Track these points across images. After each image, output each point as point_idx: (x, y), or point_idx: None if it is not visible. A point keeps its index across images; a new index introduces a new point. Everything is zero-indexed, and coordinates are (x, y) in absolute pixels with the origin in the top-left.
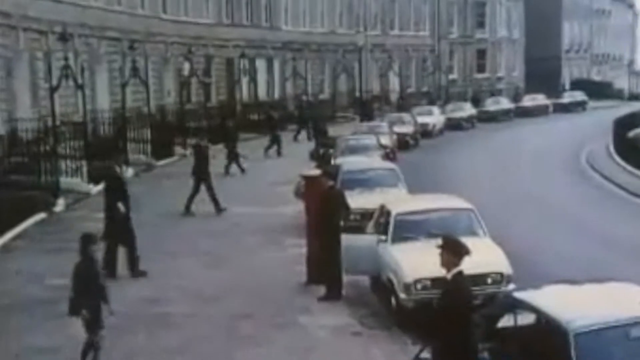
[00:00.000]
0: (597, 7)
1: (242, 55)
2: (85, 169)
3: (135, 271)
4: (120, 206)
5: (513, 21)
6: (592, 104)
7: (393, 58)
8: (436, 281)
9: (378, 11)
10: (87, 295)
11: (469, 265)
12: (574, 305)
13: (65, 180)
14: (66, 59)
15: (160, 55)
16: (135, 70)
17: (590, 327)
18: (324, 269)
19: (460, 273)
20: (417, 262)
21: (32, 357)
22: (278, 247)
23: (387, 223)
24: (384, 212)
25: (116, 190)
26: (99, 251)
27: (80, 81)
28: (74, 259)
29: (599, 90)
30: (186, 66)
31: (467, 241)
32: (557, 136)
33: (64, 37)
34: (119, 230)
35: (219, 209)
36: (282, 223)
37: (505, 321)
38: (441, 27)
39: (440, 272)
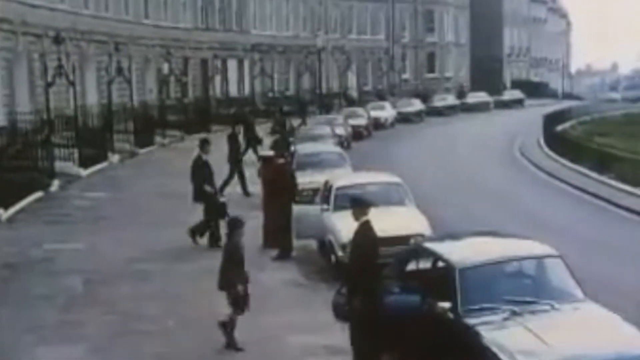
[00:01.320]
0: (534, 16)
1: (215, 56)
2: (76, 155)
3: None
4: (208, 188)
5: (459, 27)
6: (529, 101)
7: (351, 59)
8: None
9: (338, 17)
10: (239, 274)
11: (396, 228)
12: (463, 249)
13: (59, 165)
14: (59, 59)
15: (143, 56)
16: (120, 69)
17: (471, 264)
18: (277, 234)
19: (367, 221)
20: (352, 226)
21: (33, 302)
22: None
23: (329, 195)
24: (328, 186)
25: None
26: (244, 235)
27: (71, 79)
28: (66, 229)
29: (536, 90)
30: (165, 66)
31: (396, 209)
32: (496, 129)
33: (57, 40)
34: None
35: (246, 193)
36: (247, 200)
37: (412, 264)
38: (395, 32)
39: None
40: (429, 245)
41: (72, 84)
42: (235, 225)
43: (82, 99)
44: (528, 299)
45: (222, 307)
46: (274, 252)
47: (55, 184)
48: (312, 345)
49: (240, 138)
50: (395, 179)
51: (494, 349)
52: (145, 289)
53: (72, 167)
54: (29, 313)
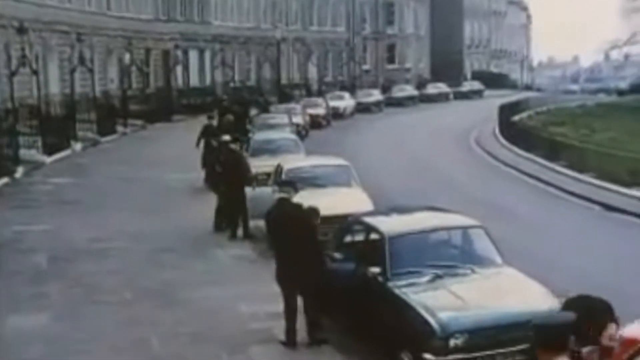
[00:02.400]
0: (494, 9)
1: (177, 47)
2: (40, 143)
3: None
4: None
5: (419, 20)
6: (489, 92)
7: (312, 50)
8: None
9: (298, 9)
10: None
11: (341, 207)
12: (394, 221)
13: (23, 152)
14: (23, 49)
15: (105, 46)
16: (82, 59)
17: (399, 233)
18: (232, 216)
19: (283, 199)
20: None
21: (4, 277)
22: (201, 202)
23: (280, 177)
24: (279, 169)
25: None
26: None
27: (35, 68)
28: (32, 212)
29: (496, 81)
30: (127, 56)
31: (342, 190)
32: (453, 119)
33: (21, 31)
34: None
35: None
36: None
37: (350, 236)
38: (355, 24)
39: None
40: (364, 218)
41: (36, 73)
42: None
43: (45, 88)
44: (450, 263)
45: (174, 279)
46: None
47: (20, 171)
48: (260, 312)
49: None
50: (342, 162)
51: (417, 307)
52: (106, 266)
53: (36, 155)
54: (3, 287)
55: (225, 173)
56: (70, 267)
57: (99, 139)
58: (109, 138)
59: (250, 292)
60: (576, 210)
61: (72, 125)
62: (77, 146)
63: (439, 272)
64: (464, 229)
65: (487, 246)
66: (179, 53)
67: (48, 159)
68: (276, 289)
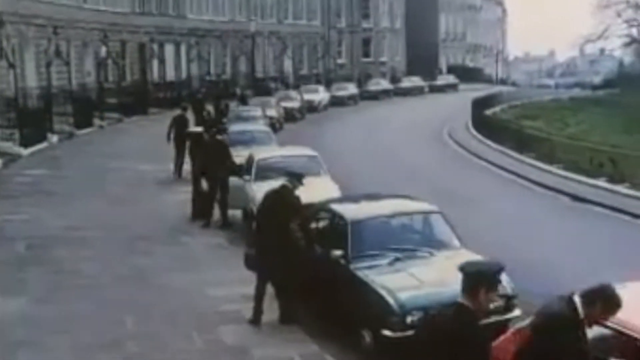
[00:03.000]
0: (469, 3)
1: (152, 40)
2: (17, 135)
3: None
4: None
5: (395, 13)
6: (464, 86)
7: (287, 44)
8: None
9: (274, 2)
10: None
11: (310, 195)
12: (357, 207)
13: (1, 145)
14: (1, 41)
15: (81, 39)
16: (58, 52)
17: (361, 218)
18: (208, 204)
19: (285, 186)
20: None
21: None
22: (173, 193)
23: (251, 167)
24: (250, 159)
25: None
26: None
27: (12, 61)
28: (10, 202)
29: (471, 75)
30: (103, 49)
31: (311, 179)
32: (428, 112)
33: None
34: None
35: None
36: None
37: (317, 222)
38: (331, 18)
39: None
40: (330, 205)
41: (13, 66)
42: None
43: (22, 81)
44: (410, 247)
45: (147, 265)
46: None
47: None
48: (232, 294)
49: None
50: (311, 152)
51: (377, 288)
52: (82, 252)
53: (14, 147)
54: None
55: (210, 162)
56: (48, 254)
57: (75, 131)
58: (85, 131)
59: (220, 277)
60: (543, 200)
61: (49, 117)
62: (54, 139)
63: (399, 255)
64: (424, 214)
65: (445, 231)
66: (155, 46)
67: (25, 151)
68: (245, 273)
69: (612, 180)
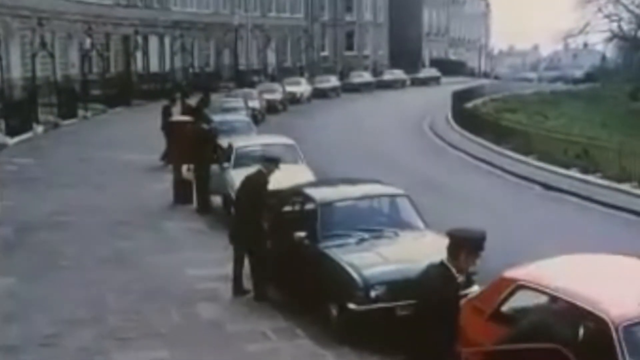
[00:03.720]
0: None
1: (136, 33)
2: (2, 125)
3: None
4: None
5: (378, 7)
6: (446, 79)
7: (271, 37)
8: None
9: None
10: None
11: (287, 181)
12: (327, 191)
13: None
14: None
15: (65, 31)
16: (43, 44)
17: (331, 201)
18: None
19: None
20: None
21: None
22: (156, 181)
23: (230, 154)
24: (230, 147)
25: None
26: None
27: None
28: None
29: (454, 68)
30: (88, 41)
31: (289, 166)
32: (409, 105)
33: None
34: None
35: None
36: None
37: (290, 205)
38: (314, 11)
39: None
40: (302, 189)
41: None
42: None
43: (7, 72)
44: (376, 227)
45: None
46: (185, 207)
47: None
48: (210, 274)
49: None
50: (288, 141)
51: (343, 264)
52: (66, 236)
53: (0, 136)
54: None
55: (195, 150)
56: (34, 238)
57: (60, 122)
58: (69, 121)
59: (198, 258)
60: (517, 189)
61: (34, 108)
62: (39, 129)
63: (366, 235)
64: (390, 197)
65: (410, 213)
66: (139, 39)
67: (11, 141)
68: (222, 255)
69: (584, 170)
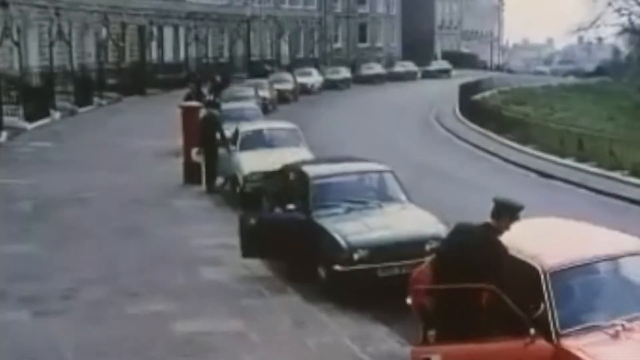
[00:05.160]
0: None
1: (152, 23)
2: (21, 111)
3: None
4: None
5: None
6: (457, 72)
7: (284, 28)
8: (265, 174)
9: None
10: None
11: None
12: (319, 167)
13: (6, 119)
14: (6, 22)
15: (82, 21)
16: (60, 33)
17: (321, 177)
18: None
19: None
20: (253, 162)
21: None
22: (168, 164)
23: (236, 138)
24: (236, 131)
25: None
26: None
27: (17, 39)
28: (16, 169)
29: (466, 61)
30: (104, 31)
31: (290, 149)
32: (418, 96)
33: (4, 4)
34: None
35: None
36: (175, 149)
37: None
38: (327, 3)
39: (268, 167)
40: (298, 165)
41: (17, 44)
42: None
43: (25, 60)
44: (362, 200)
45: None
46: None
47: (3, 135)
48: (211, 244)
49: None
50: (291, 125)
51: (331, 231)
52: (83, 211)
53: (18, 122)
54: None
55: (205, 134)
56: (52, 212)
57: (76, 109)
58: (85, 109)
59: (203, 231)
60: (514, 176)
61: (51, 95)
62: (56, 115)
63: (353, 206)
64: (377, 173)
65: (395, 187)
66: (154, 29)
67: (29, 126)
68: (225, 228)
69: (580, 159)
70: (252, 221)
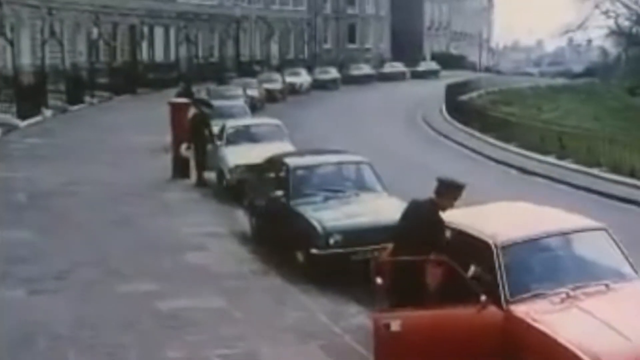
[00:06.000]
0: None
1: (143, 23)
2: (14, 109)
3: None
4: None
5: (380, 1)
6: (446, 73)
7: (273, 29)
8: (249, 166)
9: None
10: None
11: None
12: (300, 158)
13: (0, 116)
14: (1, 19)
15: (74, 20)
16: (52, 32)
17: (301, 168)
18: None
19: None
20: (237, 155)
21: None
22: (157, 159)
23: (223, 133)
24: (223, 127)
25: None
26: None
27: (10, 37)
28: (10, 164)
29: (455, 62)
30: (95, 31)
31: (274, 144)
32: (406, 96)
33: None
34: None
35: None
36: (163, 144)
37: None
38: (316, 4)
39: (252, 160)
40: (280, 157)
41: (12, 43)
42: None
43: (18, 59)
44: (340, 189)
45: (130, 212)
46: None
47: None
48: (199, 232)
49: None
50: (275, 121)
51: (309, 218)
52: (75, 202)
53: (11, 119)
54: None
55: (195, 131)
56: (46, 203)
57: (68, 107)
58: (77, 107)
59: (191, 221)
60: (495, 172)
61: (43, 93)
62: (48, 113)
63: (330, 195)
64: (354, 164)
65: (371, 178)
66: (145, 29)
67: (22, 123)
68: (212, 218)
69: (560, 156)
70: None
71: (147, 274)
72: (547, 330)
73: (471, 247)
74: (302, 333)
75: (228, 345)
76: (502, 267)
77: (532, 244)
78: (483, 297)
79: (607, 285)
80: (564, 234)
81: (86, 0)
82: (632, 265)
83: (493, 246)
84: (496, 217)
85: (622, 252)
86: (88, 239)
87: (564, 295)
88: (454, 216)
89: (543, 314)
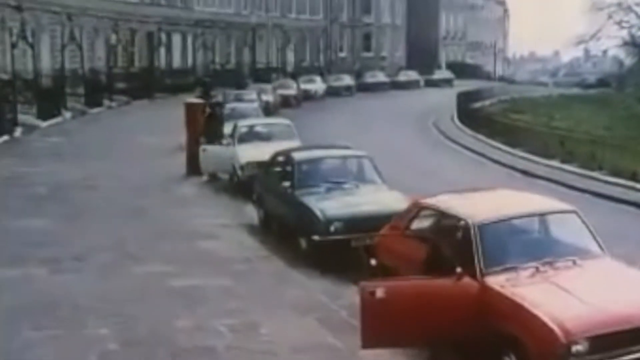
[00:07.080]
0: (470, 2)
1: (160, 30)
2: (35, 110)
3: None
4: None
5: (396, 9)
6: (460, 82)
7: (290, 37)
8: (259, 163)
9: None
10: None
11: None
12: (304, 153)
13: (21, 117)
14: (22, 24)
15: (93, 26)
16: (72, 38)
17: (304, 159)
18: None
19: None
20: (248, 153)
21: (14, 199)
22: (173, 157)
23: (235, 132)
24: (235, 127)
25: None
26: None
27: (31, 42)
28: (30, 160)
29: (470, 72)
30: (113, 37)
31: (285, 142)
32: (419, 104)
33: (19, 9)
34: None
35: None
36: (179, 144)
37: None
38: (333, 12)
39: (262, 158)
40: (287, 151)
41: (32, 46)
42: None
43: (38, 63)
44: (340, 180)
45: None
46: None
47: (18, 131)
48: (210, 223)
49: None
50: (285, 120)
51: (311, 207)
52: (93, 194)
53: (32, 119)
54: (13, 204)
55: (208, 130)
56: (65, 195)
57: (86, 109)
58: (95, 110)
59: (202, 213)
60: (499, 175)
61: (63, 96)
62: (68, 114)
63: (332, 186)
64: (355, 157)
65: (371, 171)
66: (163, 35)
67: (42, 124)
68: (222, 211)
69: (564, 160)
70: None
71: (160, 258)
72: (516, 299)
73: (453, 226)
74: (301, 308)
75: (233, 316)
76: (478, 243)
77: (505, 223)
78: (459, 269)
79: (574, 262)
80: (537, 215)
81: (105, 7)
82: (599, 244)
83: (470, 225)
84: (476, 200)
85: (591, 232)
86: (105, 227)
87: (533, 270)
88: (440, 200)
89: (514, 285)
